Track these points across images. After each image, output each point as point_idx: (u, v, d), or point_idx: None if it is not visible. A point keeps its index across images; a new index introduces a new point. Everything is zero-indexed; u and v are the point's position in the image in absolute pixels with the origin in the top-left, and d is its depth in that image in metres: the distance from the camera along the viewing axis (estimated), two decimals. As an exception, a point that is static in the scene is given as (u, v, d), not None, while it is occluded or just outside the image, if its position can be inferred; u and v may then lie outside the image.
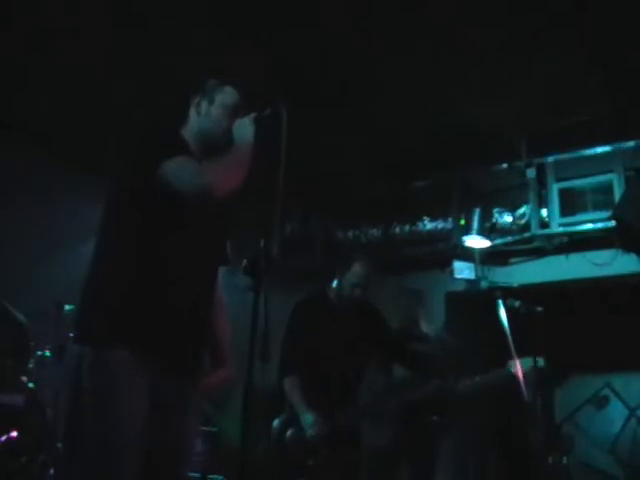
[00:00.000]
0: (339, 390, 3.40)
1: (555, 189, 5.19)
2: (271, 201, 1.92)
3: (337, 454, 3.30)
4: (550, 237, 5.24)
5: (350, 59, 4.35)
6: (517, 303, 3.64)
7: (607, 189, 4.96)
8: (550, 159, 5.24)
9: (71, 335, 2.82)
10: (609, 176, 4.98)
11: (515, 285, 4.39)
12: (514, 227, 5.40)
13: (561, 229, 5.16)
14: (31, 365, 3.97)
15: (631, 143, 4.92)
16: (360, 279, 3.53)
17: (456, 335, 4.29)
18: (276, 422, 3.50)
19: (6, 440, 3.61)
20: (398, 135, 5.24)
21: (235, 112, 2.17)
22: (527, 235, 5.31)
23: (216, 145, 2.12)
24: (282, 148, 1.98)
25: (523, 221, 5.34)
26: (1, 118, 4.97)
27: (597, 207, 5.00)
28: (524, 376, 3.45)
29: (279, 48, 4.20)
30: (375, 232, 6.04)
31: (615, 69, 4.35)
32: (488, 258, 5.57)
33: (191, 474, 4.15)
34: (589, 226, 5.03)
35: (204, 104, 2.18)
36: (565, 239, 5.19)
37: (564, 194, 5.15)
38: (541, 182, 5.28)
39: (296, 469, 3.30)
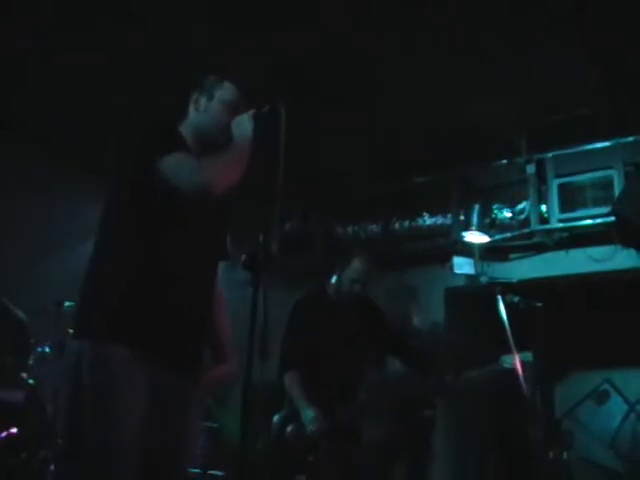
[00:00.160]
0: (339, 386, 3.40)
1: (555, 185, 5.16)
2: (271, 198, 1.92)
3: (337, 450, 3.31)
4: (550, 233, 5.23)
5: (350, 59, 4.34)
6: (516, 299, 3.63)
7: (607, 185, 4.94)
8: (549, 155, 5.22)
9: (71, 331, 2.83)
10: (609, 172, 4.96)
11: (515, 281, 4.38)
12: (514, 223, 5.39)
13: (561, 225, 5.14)
14: (31, 362, 3.98)
15: (630, 138, 4.89)
16: (359, 275, 3.53)
17: (456, 330, 4.30)
18: (276, 418, 3.50)
19: (6, 436, 3.61)
20: (398, 134, 5.23)
21: (234, 108, 2.15)
22: (527, 231, 5.30)
23: (215, 141, 2.11)
24: (281, 145, 1.98)
25: (523, 217, 5.33)
26: (1, 118, 4.98)
27: (597, 203, 4.98)
28: (523, 370, 3.45)
29: (279, 48, 4.20)
30: (375, 228, 6.02)
31: (615, 69, 4.34)
32: (488, 254, 5.58)
33: (191, 469, 4.17)
34: (589, 222, 5.01)
35: (203, 100, 2.17)
36: (565, 235, 5.18)
37: (564, 190, 5.13)
38: (540, 178, 5.26)
39: (296, 465, 3.31)
